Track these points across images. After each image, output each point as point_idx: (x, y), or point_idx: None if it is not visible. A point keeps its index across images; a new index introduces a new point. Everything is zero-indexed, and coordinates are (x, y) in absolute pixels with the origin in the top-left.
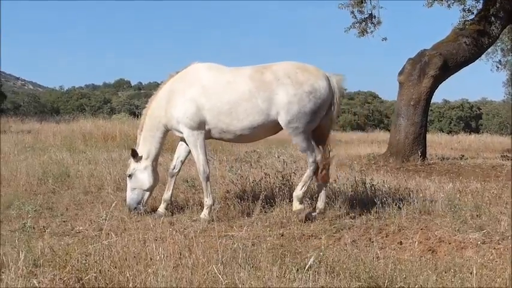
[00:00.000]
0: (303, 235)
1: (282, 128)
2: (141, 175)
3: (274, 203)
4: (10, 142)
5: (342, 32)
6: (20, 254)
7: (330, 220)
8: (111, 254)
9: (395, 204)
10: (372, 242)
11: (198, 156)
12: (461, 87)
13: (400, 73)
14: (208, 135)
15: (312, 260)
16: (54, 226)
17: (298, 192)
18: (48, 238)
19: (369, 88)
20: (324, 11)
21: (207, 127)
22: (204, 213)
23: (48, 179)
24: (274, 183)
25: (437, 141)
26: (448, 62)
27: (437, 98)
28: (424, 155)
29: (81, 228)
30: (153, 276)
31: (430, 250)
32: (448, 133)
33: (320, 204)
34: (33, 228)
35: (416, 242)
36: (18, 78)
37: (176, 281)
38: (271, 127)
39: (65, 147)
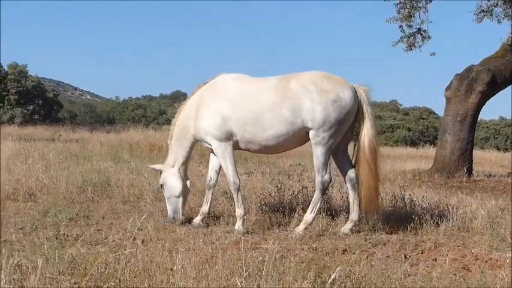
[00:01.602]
0: (336, 249)
1: (308, 139)
2: (170, 182)
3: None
4: (56, 150)
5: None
6: (39, 261)
7: (365, 235)
8: (132, 264)
9: (434, 221)
10: (407, 258)
11: (228, 168)
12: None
13: (447, 88)
14: (236, 146)
15: (335, 274)
16: (87, 234)
17: (307, 216)
18: (80, 246)
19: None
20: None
21: (234, 138)
22: (238, 225)
23: (87, 188)
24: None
25: (487, 158)
26: (496, 78)
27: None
28: (470, 171)
29: (114, 237)
30: (172, 286)
31: (464, 268)
32: (504, 150)
33: (354, 215)
34: (67, 236)
35: (449, 260)
36: (76, 88)
37: None
38: (298, 137)
39: (109, 156)
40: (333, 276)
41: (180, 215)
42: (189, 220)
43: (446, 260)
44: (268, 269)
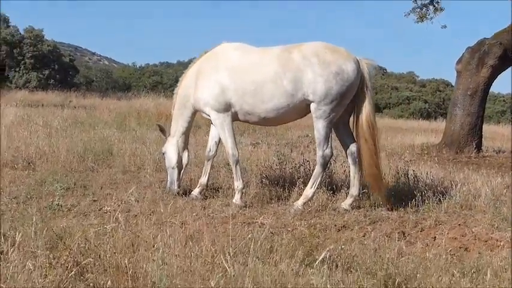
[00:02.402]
0: (334, 225)
1: (309, 111)
2: (168, 152)
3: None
4: (62, 117)
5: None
6: (17, 234)
7: (365, 211)
8: (114, 239)
9: (436, 198)
10: (405, 236)
11: (226, 140)
12: None
13: (458, 62)
14: (235, 117)
15: (324, 254)
16: (82, 205)
17: (307, 191)
18: (72, 217)
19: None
20: None
21: (233, 109)
22: (236, 198)
23: (88, 157)
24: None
25: (500, 133)
26: (508, 52)
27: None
28: (479, 147)
29: (108, 208)
30: (155, 263)
31: (462, 247)
32: None
33: (354, 190)
34: (61, 206)
35: (448, 238)
36: (94, 54)
37: (178, 269)
38: (298, 109)
39: (116, 124)
40: (322, 256)
41: (176, 186)
42: (187, 191)
43: (445, 238)
44: (256, 247)
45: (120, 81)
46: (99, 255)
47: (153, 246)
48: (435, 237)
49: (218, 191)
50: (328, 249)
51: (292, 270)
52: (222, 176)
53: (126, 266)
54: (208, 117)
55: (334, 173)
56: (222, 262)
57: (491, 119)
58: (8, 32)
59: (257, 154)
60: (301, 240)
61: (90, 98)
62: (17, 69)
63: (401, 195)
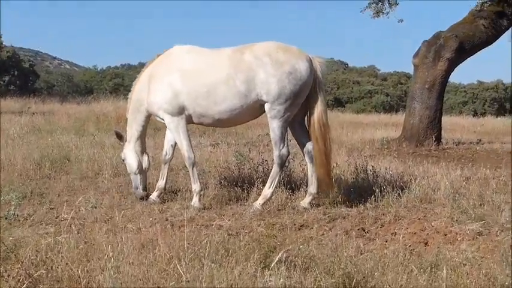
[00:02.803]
0: (294, 225)
1: (263, 112)
2: (128, 159)
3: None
4: (20, 124)
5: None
6: None
7: (325, 208)
8: (66, 249)
9: (395, 193)
10: (366, 232)
11: (182, 142)
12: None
13: (415, 55)
14: (189, 120)
15: (280, 255)
16: (39, 214)
17: (266, 191)
18: (28, 227)
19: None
20: None
21: (186, 112)
22: (194, 201)
23: (45, 164)
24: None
25: (461, 124)
26: (465, 44)
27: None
28: (438, 139)
29: (65, 216)
30: (108, 273)
31: (422, 242)
32: (482, 115)
33: (312, 188)
34: (17, 216)
35: (408, 233)
36: (55, 58)
37: (132, 278)
38: (252, 110)
39: (74, 129)
40: (277, 257)
41: (141, 190)
42: (146, 196)
43: (405, 233)
44: (211, 251)
45: (82, 85)
46: (51, 267)
47: (106, 255)
48: (395, 233)
49: (177, 194)
50: (284, 250)
51: (248, 273)
52: (180, 178)
53: (79, 277)
54: (163, 121)
55: (293, 171)
56: (177, 268)
57: (452, 110)
58: None
59: (216, 155)
60: (259, 242)
61: (50, 104)
62: None
63: (361, 191)
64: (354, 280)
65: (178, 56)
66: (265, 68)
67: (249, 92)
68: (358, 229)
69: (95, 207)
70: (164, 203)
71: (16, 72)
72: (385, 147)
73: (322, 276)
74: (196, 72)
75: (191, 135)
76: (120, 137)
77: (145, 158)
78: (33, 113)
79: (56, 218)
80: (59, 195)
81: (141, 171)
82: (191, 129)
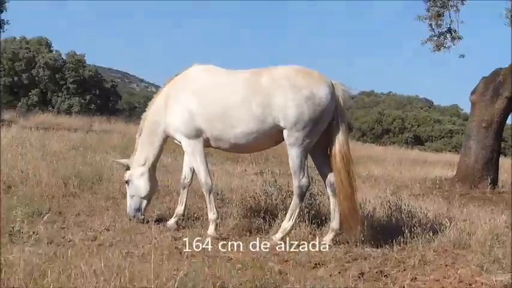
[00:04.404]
0: (309, 262)
1: (283, 138)
2: (137, 182)
3: (299, 226)
4: (68, 141)
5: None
6: None
7: (349, 247)
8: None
9: (426, 235)
10: (383, 276)
11: (198, 167)
12: None
13: (473, 92)
14: (207, 144)
15: None
16: (46, 232)
17: (285, 224)
18: (30, 246)
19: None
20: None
21: (204, 135)
22: (210, 230)
23: (73, 182)
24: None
25: None
26: None
27: None
28: (494, 182)
29: (71, 236)
30: None
31: None
32: None
33: (334, 224)
34: (21, 232)
35: (430, 280)
36: (142, 80)
37: None
38: (270, 136)
39: (120, 149)
40: None
41: (141, 215)
42: (165, 219)
43: (425, 280)
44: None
45: None
46: None
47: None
48: (415, 278)
49: (197, 219)
50: None
51: None
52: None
53: None
54: (180, 144)
55: (322, 204)
56: None
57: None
58: (50, 57)
59: (253, 183)
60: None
61: (115, 124)
62: (59, 94)
63: (391, 231)
64: None
65: (195, 76)
66: (283, 92)
67: (266, 117)
68: (376, 272)
69: (108, 230)
70: (180, 229)
71: (97, 92)
72: (437, 186)
73: None
74: (212, 93)
75: (240, 163)
76: (123, 164)
77: (155, 183)
78: (93, 131)
79: (62, 239)
80: (78, 215)
81: (150, 196)
82: (241, 157)
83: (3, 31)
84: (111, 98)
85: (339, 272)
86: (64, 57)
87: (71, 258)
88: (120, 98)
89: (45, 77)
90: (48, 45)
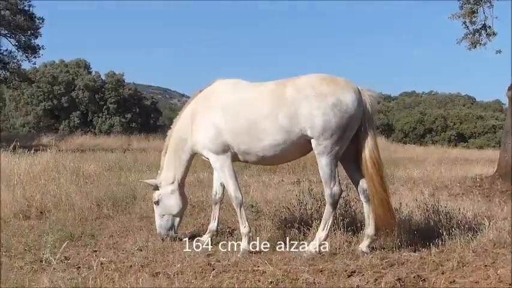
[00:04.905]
0: (345, 271)
1: (311, 148)
2: (168, 200)
3: (333, 232)
4: (104, 162)
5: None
6: None
7: (385, 252)
8: None
9: (466, 235)
10: (421, 280)
11: (228, 182)
12: None
13: (510, 88)
14: (235, 158)
15: None
16: (78, 257)
17: (320, 234)
18: (61, 271)
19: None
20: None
21: (231, 150)
22: (243, 244)
23: (107, 203)
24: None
25: None
26: None
27: None
28: None
29: (103, 259)
30: None
31: None
32: None
33: (370, 230)
34: (52, 259)
35: (469, 282)
36: (183, 95)
37: None
38: (298, 146)
39: (154, 167)
40: None
41: (174, 233)
42: (194, 236)
43: (464, 282)
44: None
45: None
46: None
47: None
48: (454, 281)
49: (232, 234)
50: None
51: None
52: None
53: None
54: (208, 160)
55: (359, 211)
56: None
57: None
58: (90, 78)
59: (288, 193)
60: None
61: (153, 141)
62: (100, 115)
63: (429, 234)
64: None
65: (220, 91)
66: (308, 101)
67: (292, 127)
68: (414, 277)
69: (140, 250)
70: (214, 245)
71: (138, 110)
72: (477, 185)
73: None
74: (237, 108)
75: (277, 173)
76: (151, 184)
77: (186, 199)
78: (130, 150)
79: (94, 261)
80: (111, 236)
81: (182, 213)
82: (279, 166)
83: (38, 56)
84: (151, 115)
85: (376, 280)
86: (103, 78)
87: (100, 281)
88: (161, 114)
89: (85, 99)
90: (87, 66)
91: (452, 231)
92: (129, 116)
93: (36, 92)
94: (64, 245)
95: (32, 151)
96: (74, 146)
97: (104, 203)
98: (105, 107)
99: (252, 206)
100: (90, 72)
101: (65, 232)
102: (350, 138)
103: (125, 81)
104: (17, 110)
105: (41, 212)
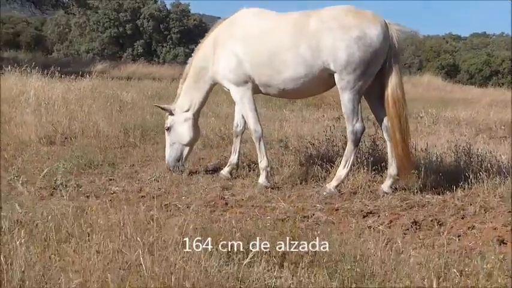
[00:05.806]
0: (361, 211)
1: (334, 83)
2: (180, 128)
3: (356, 171)
4: (146, 90)
5: None
6: None
7: (407, 194)
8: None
9: (495, 180)
10: (438, 224)
11: (247, 114)
12: None
13: None
14: (256, 90)
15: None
16: (91, 185)
17: (340, 172)
18: (68, 199)
19: None
20: None
21: (252, 82)
22: (261, 178)
23: (136, 132)
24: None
25: None
26: None
27: None
28: None
29: (116, 189)
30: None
31: (499, 240)
32: None
33: (392, 170)
34: (65, 186)
35: (487, 228)
36: None
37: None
38: (320, 80)
39: None
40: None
41: (183, 164)
42: (216, 169)
43: (483, 228)
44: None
45: None
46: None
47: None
48: (473, 226)
49: (253, 169)
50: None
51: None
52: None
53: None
54: (228, 91)
55: (381, 150)
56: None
57: None
58: (155, 8)
59: (316, 128)
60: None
61: None
62: (164, 45)
63: (457, 177)
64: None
65: (242, 20)
66: (332, 33)
67: (315, 60)
68: (432, 220)
69: (157, 181)
70: (232, 179)
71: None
72: None
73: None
74: (258, 39)
75: (321, 109)
76: (165, 108)
77: (198, 130)
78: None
79: (106, 191)
80: (132, 165)
81: (193, 143)
82: (325, 102)
83: None
84: None
85: (390, 221)
86: (168, 8)
87: (95, 211)
88: None
89: (150, 28)
90: None
91: (480, 175)
92: (193, 46)
93: (103, 19)
94: (74, 171)
95: (73, 76)
96: (125, 74)
97: (131, 131)
98: (168, 36)
99: (281, 141)
100: (156, 2)
101: (84, 159)
102: (374, 73)
103: (191, 11)
104: (82, 36)
105: (66, 138)
